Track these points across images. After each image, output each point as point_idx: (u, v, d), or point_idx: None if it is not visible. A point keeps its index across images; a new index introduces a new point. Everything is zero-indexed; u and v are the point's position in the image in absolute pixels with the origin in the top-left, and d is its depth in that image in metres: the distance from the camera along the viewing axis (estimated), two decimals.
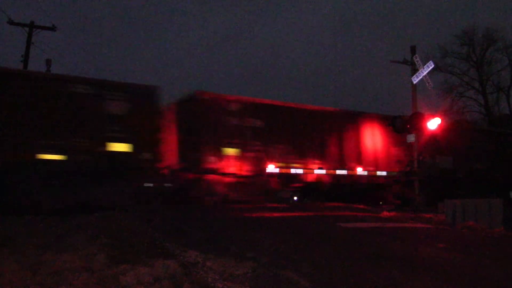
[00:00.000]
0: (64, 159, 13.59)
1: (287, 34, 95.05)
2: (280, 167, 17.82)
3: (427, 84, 18.15)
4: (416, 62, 18.16)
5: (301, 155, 18.56)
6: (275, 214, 13.08)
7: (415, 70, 18.25)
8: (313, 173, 18.79)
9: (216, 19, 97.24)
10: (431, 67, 17.82)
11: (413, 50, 18.71)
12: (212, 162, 16.46)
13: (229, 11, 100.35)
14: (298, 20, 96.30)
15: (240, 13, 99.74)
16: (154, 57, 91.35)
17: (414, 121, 16.99)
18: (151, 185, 15.38)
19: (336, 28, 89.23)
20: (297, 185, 18.54)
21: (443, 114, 30.84)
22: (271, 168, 17.45)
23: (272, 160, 17.73)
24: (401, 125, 17.42)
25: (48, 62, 18.48)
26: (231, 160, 16.82)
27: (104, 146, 14.23)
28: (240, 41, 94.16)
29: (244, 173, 17.04)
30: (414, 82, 18.27)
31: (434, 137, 19.17)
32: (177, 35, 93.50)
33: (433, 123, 16.71)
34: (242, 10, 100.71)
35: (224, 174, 16.67)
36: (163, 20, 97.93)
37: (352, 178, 20.01)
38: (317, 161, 18.90)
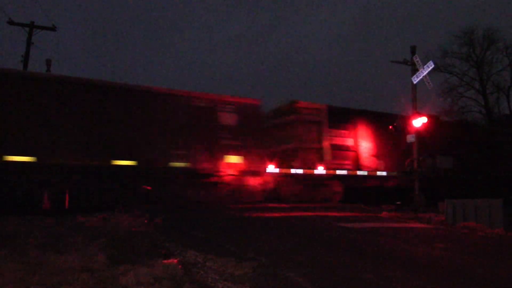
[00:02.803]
0: None
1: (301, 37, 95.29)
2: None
3: (427, 84, 18.18)
4: (416, 62, 18.18)
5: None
6: (275, 214, 13.07)
7: (415, 70, 18.27)
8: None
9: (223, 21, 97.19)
10: (431, 67, 17.85)
11: (413, 50, 18.72)
12: None
13: (249, 12, 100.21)
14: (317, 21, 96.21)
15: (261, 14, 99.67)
16: (172, 57, 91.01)
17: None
18: None
19: (335, 37, 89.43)
20: None
21: (443, 114, 30.95)
22: (271, 168, 17.40)
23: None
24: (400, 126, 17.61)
25: (48, 62, 18.47)
26: None
27: None
28: (257, 42, 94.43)
29: None
30: (414, 82, 18.28)
31: (429, 137, 19.13)
32: (189, 36, 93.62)
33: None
34: (263, 12, 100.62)
35: None
36: (180, 20, 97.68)
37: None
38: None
